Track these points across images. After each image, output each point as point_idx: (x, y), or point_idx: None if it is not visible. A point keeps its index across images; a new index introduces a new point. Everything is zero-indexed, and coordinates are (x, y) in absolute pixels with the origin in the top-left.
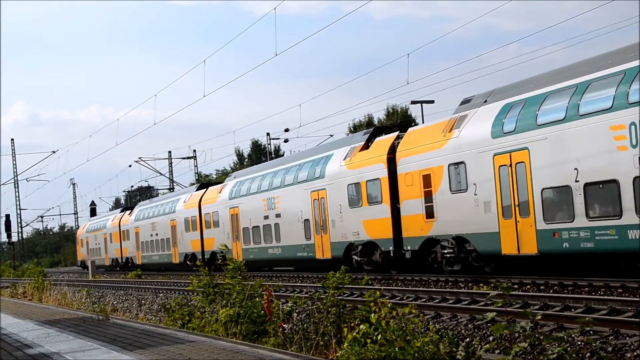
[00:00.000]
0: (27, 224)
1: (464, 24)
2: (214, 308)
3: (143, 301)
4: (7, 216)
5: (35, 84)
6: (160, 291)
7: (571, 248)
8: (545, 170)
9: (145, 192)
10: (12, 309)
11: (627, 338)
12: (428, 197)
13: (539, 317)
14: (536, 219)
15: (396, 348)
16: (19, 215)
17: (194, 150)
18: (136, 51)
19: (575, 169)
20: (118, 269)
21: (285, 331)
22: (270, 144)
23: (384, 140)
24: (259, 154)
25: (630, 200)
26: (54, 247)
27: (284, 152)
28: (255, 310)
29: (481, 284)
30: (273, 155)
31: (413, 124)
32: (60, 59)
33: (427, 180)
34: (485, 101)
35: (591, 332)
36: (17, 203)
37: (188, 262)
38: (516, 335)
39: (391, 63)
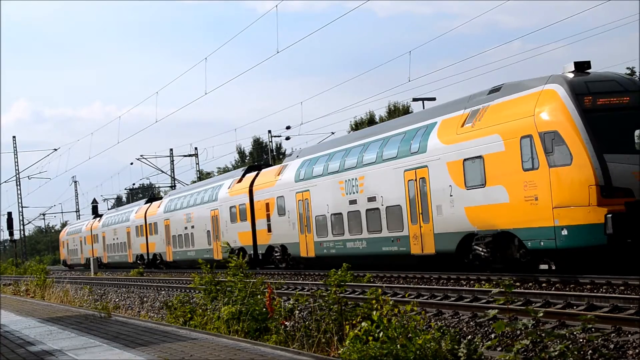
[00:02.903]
0: (29, 222)
1: (466, 21)
2: (215, 305)
3: (145, 299)
4: (9, 214)
5: (37, 81)
6: (162, 289)
7: (328, 253)
8: (316, 204)
9: (147, 190)
10: (15, 307)
11: (629, 335)
12: (268, 218)
13: (541, 314)
14: (314, 234)
15: (398, 345)
16: (20, 213)
17: (196, 148)
18: (138, 48)
19: (327, 205)
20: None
21: (287, 329)
22: (271, 141)
23: (249, 176)
24: (261, 151)
25: (347, 225)
26: (55, 245)
27: (285, 150)
28: (257, 308)
29: (483, 282)
30: (274, 153)
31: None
32: (63, 57)
33: (267, 206)
34: (297, 156)
35: (593, 329)
36: (19, 201)
37: (138, 262)
38: (518, 332)
39: (393, 60)
